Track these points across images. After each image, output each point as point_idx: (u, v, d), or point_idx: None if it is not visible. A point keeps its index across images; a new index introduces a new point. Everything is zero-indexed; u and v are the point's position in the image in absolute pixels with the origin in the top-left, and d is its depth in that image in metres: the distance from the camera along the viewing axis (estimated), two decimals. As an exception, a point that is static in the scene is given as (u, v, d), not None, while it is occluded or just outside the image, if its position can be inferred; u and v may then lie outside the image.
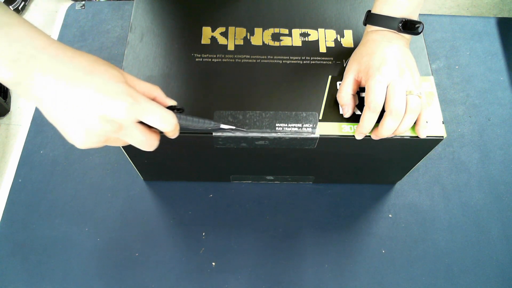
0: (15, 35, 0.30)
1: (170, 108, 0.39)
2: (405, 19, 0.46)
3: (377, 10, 0.48)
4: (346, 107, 0.47)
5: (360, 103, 0.48)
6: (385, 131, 0.44)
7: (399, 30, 0.46)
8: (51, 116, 0.33)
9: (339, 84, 0.49)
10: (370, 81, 0.44)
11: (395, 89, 0.43)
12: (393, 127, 0.44)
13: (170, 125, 0.36)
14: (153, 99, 0.38)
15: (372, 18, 0.48)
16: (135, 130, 0.35)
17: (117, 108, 0.32)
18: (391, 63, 0.44)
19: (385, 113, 0.43)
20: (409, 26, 0.46)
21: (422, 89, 0.45)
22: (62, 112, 0.32)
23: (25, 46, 0.30)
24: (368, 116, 0.44)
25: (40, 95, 0.31)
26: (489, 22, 0.79)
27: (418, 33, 0.47)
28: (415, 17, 0.47)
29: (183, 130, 0.41)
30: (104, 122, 0.33)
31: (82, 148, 0.34)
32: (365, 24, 0.50)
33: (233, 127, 0.46)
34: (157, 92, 0.39)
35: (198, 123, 0.42)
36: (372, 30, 0.49)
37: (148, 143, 0.36)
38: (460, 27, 0.78)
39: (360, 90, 0.48)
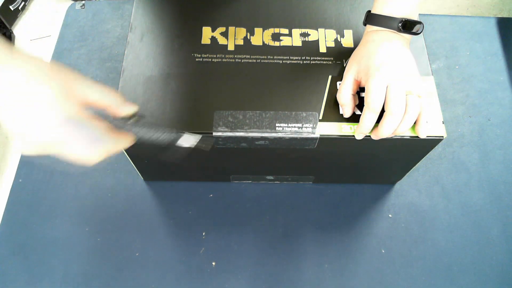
0: None
1: (124, 118, 0.37)
2: (405, 19, 0.46)
3: (377, 10, 0.48)
4: (346, 107, 0.47)
5: (360, 103, 0.48)
6: (385, 131, 0.44)
7: (399, 30, 0.46)
8: None
9: (339, 84, 0.49)
10: (369, 81, 0.44)
11: (395, 89, 0.43)
12: (393, 127, 0.44)
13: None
14: (106, 108, 0.38)
15: (372, 18, 0.48)
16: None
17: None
18: (391, 64, 0.44)
19: (384, 113, 0.43)
20: (409, 26, 0.46)
21: (422, 89, 0.45)
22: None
23: None
24: (368, 116, 0.44)
25: None
26: (489, 22, 0.79)
27: (418, 33, 0.47)
28: (415, 17, 0.47)
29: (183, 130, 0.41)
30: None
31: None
32: (365, 24, 0.50)
33: (199, 136, 0.42)
34: (111, 100, 0.38)
35: (156, 133, 0.38)
36: (372, 30, 0.49)
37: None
38: (460, 27, 0.79)
39: (360, 90, 0.48)
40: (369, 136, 0.46)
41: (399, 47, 0.46)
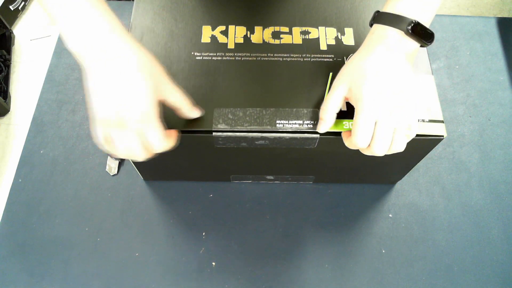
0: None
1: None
2: (416, 21, 0.42)
3: (389, 8, 0.44)
4: (325, 124, 0.45)
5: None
6: (365, 154, 0.44)
7: (407, 33, 0.42)
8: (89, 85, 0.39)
9: (327, 92, 0.49)
10: (359, 116, 0.42)
11: (382, 130, 0.41)
12: (372, 155, 0.44)
13: (159, 148, 0.41)
14: (177, 109, 0.44)
15: (380, 17, 0.44)
16: (128, 137, 0.39)
17: (127, 115, 0.38)
18: (385, 91, 0.41)
19: (368, 146, 0.43)
20: (418, 31, 0.42)
21: (412, 120, 0.43)
22: (98, 87, 0.39)
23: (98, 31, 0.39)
24: (352, 147, 0.44)
25: (88, 68, 0.39)
26: (489, 22, 0.79)
27: (427, 44, 0.43)
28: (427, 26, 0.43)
29: (183, 130, 0.42)
30: (117, 112, 0.38)
31: (98, 121, 0.39)
32: (371, 25, 0.46)
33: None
34: (184, 104, 0.44)
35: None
36: (376, 33, 0.44)
37: (131, 154, 0.41)
38: (460, 27, 0.78)
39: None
40: None
41: (399, 62, 0.42)
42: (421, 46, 0.44)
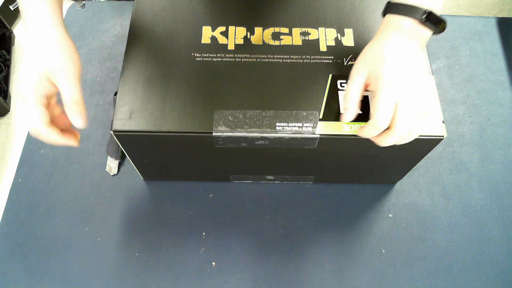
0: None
1: None
2: (429, 11, 0.43)
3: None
4: (349, 114, 0.46)
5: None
6: (383, 144, 0.44)
7: (422, 22, 0.43)
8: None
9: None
10: (379, 97, 0.42)
11: (403, 112, 0.42)
12: (392, 142, 0.44)
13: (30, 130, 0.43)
14: (64, 106, 0.44)
15: (393, 7, 0.45)
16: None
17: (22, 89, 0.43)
18: (404, 76, 0.42)
19: (388, 130, 0.43)
20: (432, 19, 0.43)
21: (427, 105, 0.44)
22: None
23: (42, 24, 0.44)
24: (372, 131, 0.44)
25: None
26: (489, 22, 0.79)
27: (440, 31, 0.44)
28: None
29: (183, 130, 0.41)
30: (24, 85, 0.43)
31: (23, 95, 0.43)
32: (384, 15, 0.46)
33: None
34: (72, 105, 0.43)
35: None
36: (390, 22, 0.45)
37: (28, 125, 0.43)
38: (460, 27, 0.78)
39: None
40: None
41: (415, 49, 0.44)
42: (433, 34, 0.45)
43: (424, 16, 0.43)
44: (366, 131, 0.44)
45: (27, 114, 0.42)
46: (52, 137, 0.43)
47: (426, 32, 0.44)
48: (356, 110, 0.46)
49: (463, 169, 0.65)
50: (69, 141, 0.44)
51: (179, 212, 0.61)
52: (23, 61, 0.39)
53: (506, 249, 0.59)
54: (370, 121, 0.43)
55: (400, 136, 0.43)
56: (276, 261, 0.58)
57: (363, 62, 0.45)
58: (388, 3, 0.46)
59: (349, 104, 0.46)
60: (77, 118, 0.43)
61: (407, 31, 0.44)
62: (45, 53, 0.43)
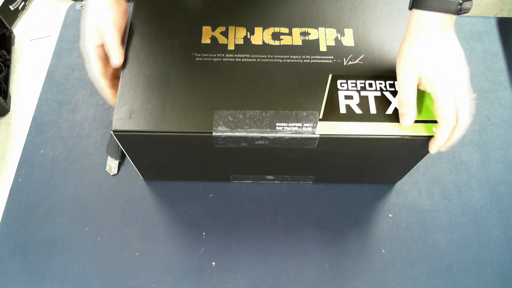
0: None
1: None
2: (461, 1, 0.43)
3: None
4: (409, 117, 0.46)
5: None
6: (455, 141, 0.46)
7: (457, 14, 0.44)
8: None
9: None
10: (441, 101, 0.44)
11: (464, 105, 0.44)
12: (461, 136, 0.46)
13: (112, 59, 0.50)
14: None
15: (425, 2, 0.44)
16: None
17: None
18: (454, 74, 0.44)
19: (456, 127, 0.45)
20: (464, 8, 0.44)
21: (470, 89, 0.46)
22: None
23: None
24: (445, 131, 0.45)
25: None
26: (489, 22, 0.79)
27: (467, 12, 0.45)
28: None
29: (182, 130, 0.41)
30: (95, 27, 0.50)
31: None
32: (411, 8, 0.46)
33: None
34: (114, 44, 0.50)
35: None
36: (424, 20, 0.45)
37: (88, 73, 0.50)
38: (460, 27, 0.78)
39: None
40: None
41: (454, 40, 0.45)
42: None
43: (460, 6, 0.43)
44: (441, 133, 0.46)
45: (86, 64, 0.50)
46: (100, 86, 0.50)
47: (455, 17, 0.45)
48: (415, 112, 0.47)
49: (463, 169, 0.65)
50: (110, 97, 0.51)
51: (179, 212, 0.61)
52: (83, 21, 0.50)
53: (506, 249, 0.59)
54: (440, 124, 0.45)
55: (466, 125, 0.45)
56: (276, 261, 0.58)
57: (410, 66, 0.46)
58: None
59: (408, 109, 0.46)
60: (112, 55, 0.50)
61: (444, 26, 0.45)
62: (95, 12, 0.50)
